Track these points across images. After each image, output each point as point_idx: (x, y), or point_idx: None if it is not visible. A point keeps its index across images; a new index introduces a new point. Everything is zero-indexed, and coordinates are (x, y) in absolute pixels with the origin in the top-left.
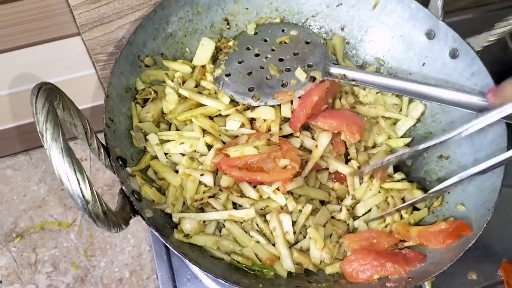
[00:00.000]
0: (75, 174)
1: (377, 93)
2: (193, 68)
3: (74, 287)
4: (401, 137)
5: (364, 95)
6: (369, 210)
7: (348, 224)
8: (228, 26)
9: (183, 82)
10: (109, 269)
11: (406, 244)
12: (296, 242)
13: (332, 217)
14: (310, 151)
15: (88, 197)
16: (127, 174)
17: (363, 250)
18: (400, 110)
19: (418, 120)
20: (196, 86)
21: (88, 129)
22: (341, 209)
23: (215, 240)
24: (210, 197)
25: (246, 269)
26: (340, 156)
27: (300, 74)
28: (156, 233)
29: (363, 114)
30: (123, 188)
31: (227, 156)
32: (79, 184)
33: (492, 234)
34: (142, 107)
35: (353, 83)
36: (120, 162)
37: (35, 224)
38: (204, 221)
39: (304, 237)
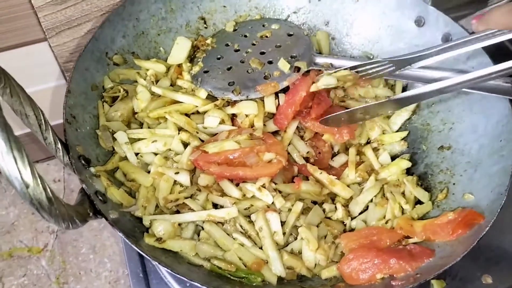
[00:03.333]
0: (12, 152)
1: (367, 85)
2: (168, 68)
3: None
4: (397, 131)
5: (353, 88)
6: (366, 209)
7: (345, 224)
8: (205, 25)
9: (157, 81)
10: None
11: (411, 240)
12: (286, 245)
13: (327, 218)
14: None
15: (27, 180)
16: (90, 174)
17: (363, 248)
18: None
19: (414, 112)
20: (171, 86)
21: (43, 121)
22: (336, 207)
23: (193, 245)
24: (186, 197)
25: (229, 276)
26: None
27: (283, 65)
28: (121, 235)
29: None
30: (83, 186)
31: (205, 153)
32: (16, 163)
33: (506, 234)
34: (111, 106)
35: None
36: (83, 162)
37: (3, 251)
38: (180, 224)
39: (295, 238)
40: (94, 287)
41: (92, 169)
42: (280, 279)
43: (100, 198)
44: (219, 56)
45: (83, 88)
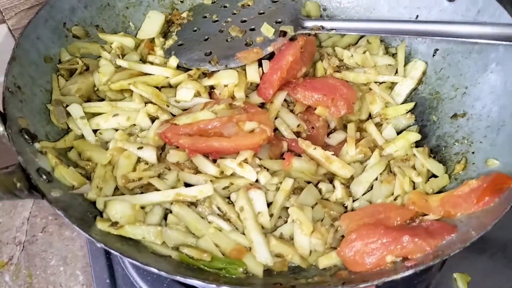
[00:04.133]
0: None
1: (364, 52)
2: (139, 44)
3: None
4: (402, 103)
5: (348, 56)
6: (370, 189)
7: (346, 206)
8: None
9: (123, 56)
10: None
11: (427, 218)
12: (275, 229)
13: (326, 199)
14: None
15: None
16: (34, 150)
17: (368, 226)
18: (396, 72)
19: (420, 81)
20: (142, 62)
21: None
22: (334, 186)
23: (158, 232)
24: (152, 177)
25: (203, 267)
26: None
27: (267, 29)
28: (62, 213)
29: (351, 81)
30: (19, 158)
31: (175, 126)
32: None
33: None
34: (67, 81)
35: (333, 32)
36: (26, 136)
37: None
38: (143, 208)
39: (286, 222)
40: None
41: (37, 145)
42: (267, 272)
43: (44, 177)
44: (195, 28)
45: (33, 58)
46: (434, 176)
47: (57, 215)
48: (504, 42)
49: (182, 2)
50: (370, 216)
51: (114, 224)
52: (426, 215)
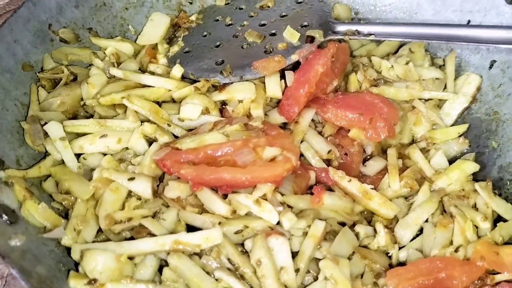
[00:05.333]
0: None
1: (407, 63)
2: (139, 50)
3: None
4: (452, 125)
5: (388, 67)
6: (420, 233)
7: (390, 255)
8: (190, 0)
9: (118, 64)
10: None
11: (499, 277)
12: None
13: (363, 247)
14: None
15: None
16: None
17: None
18: (445, 87)
19: (474, 98)
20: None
21: None
22: (375, 230)
23: None
24: (145, 217)
25: None
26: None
27: (291, 34)
28: (15, 272)
29: (390, 98)
30: None
31: (176, 150)
32: None
33: None
34: (49, 93)
35: (371, 38)
36: None
37: None
38: (132, 259)
39: (316, 279)
40: None
41: (1, 174)
42: None
43: (5, 216)
44: (205, 33)
45: (8, 65)
46: (500, 219)
47: None
48: None
49: (191, 3)
50: (426, 274)
51: (92, 281)
52: (497, 272)
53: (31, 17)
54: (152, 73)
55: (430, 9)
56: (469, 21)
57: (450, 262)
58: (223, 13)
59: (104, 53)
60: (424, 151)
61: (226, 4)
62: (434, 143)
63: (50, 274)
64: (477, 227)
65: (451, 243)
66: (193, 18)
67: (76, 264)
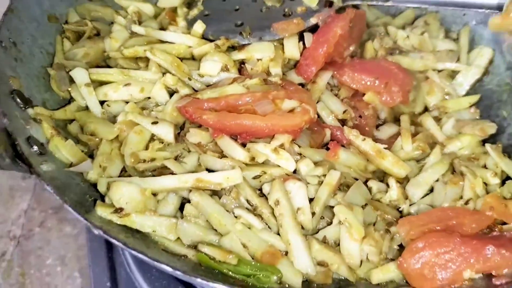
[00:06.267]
0: None
1: (422, 33)
2: (160, 12)
3: None
4: (464, 95)
5: (404, 37)
6: (430, 191)
7: (401, 210)
8: None
9: (140, 23)
10: None
11: (506, 227)
12: (317, 231)
13: (377, 200)
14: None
15: None
16: (27, 116)
17: (439, 233)
18: (458, 59)
19: (486, 70)
20: None
21: None
22: (388, 185)
23: (172, 224)
24: (168, 159)
25: (227, 272)
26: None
27: None
28: (52, 190)
29: (405, 67)
30: (4, 121)
31: (198, 100)
32: None
33: None
34: (74, 45)
35: (389, 3)
36: (18, 99)
37: None
38: (155, 195)
39: (330, 223)
40: None
41: (31, 111)
42: (306, 283)
43: (35, 147)
44: None
45: (35, 14)
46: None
47: (58, 209)
48: None
49: None
50: (437, 221)
51: (119, 210)
52: (505, 223)
53: None
54: None
55: None
56: None
57: (460, 211)
58: None
59: (126, 11)
60: (437, 119)
61: None
62: (446, 112)
63: (79, 201)
64: (486, 185)
65: (461, 197)
66: None
67: (102, 197)
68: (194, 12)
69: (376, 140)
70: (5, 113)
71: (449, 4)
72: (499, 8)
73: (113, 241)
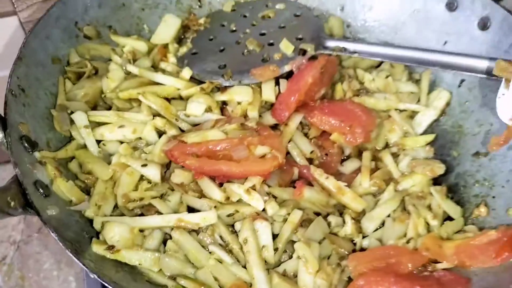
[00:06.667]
0: None
1: (387, 77)
2: (152, 49)
3: None
4: (422, 134)
5: (370, 79)
6: (382, 225)
7: (355, 243)
8: (199, 3)
9: (134, 61)
10: None
11: (439, 265)
12: (279, 264)
13: (333, 234)
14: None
15: None
16: (33, 160)
17: (377, 272)
18: (419, 100)
19: (443, 111)
20: (153, 68)
21: None
22: (344, 220)
23: (156, 258)
24: (154, 197)
25: None
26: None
27: (286, 46)
28: (54, 235)
29: (370, 107)
30: (16, 171)
31: (183, 143)
32: None
33: None
34: (74, 84)
35: (356, 55)
36: (26, 144)
37: None
38: (142, 231)
39: (291, 257)
40: None
41: (37, 154)
42: None
43: (41, 190)
44: (211, 37)
45: (41, 59)
46: (449, 218)
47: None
48: None
49: (200, 7)
50: (380, 259)
51: (111, 247)
52: (438, 262)
53: (61, 15)
54: (163, 71)
55: (414, 27)
56: (445, 42)
57: (400, 251)
58: (229, 19)
59: (122, 50)
60: (395, 155)
61: (232, 10)
62: (404, 149)
63: (77, 239)
64: (428, 224)
65: (405, 235)
66: (201, 21)
67: (96, 233)
68: (184, 49)
69: (340, 174)
70: (16, 163)
71: (407, 60)
72: (488, 72)
73: (105, 283)
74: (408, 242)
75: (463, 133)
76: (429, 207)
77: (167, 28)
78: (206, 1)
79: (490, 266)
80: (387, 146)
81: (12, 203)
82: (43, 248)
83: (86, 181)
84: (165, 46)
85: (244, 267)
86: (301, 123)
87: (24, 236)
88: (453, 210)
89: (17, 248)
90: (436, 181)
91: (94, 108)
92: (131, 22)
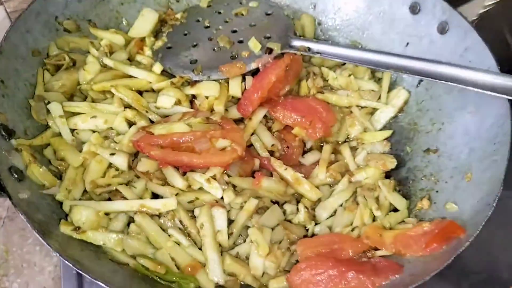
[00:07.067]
0: None
1: (350, 75)
2: (129, 42)
3: None
4: (380, 130)
5: (333, 77)
6: (333, 214)
7: (308, 229)
8: None
9: (111, 53)
10: None
11: (379, 253)
12: (234, 247)
13: (288, 221)
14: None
15: None
16: (9, 147)
17: (319, 257)
18: (379, 98)
19: (401, 109)
20: (129, 61)
21: None
22: (297, 209)
23: (119, 239)
24: (121, 184)
25: (157, 278)
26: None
27: (254, 44)
28: (24, 217)
29: (332, 103)
30: None
31: (150, 134)
32: None
33: (497, 256)
34: (53, 75)
35: (318, 55)
36: (3, 132)
37: None
38: (108, 215)
39: (245, 241)
40: (35, 282)
41: (14, 142)
42: (219, 287)
43: (15, 175)
44: (186, 32)
45: (21, 52)
46: (397, 211)
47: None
48: (481, 91)
49: (178, 1)
50: (325, 245)
51: (77, 228)
52: (378, 249)
53: (42, 10)
54: (138, 63)
55: (379, 29)
56: (407, 43)
57: (343, 238)
58: (204, 15)
59: (100, 43)
60: (354, 149)
61: (208, 6)
62: (363, 143)
63: (46, 221)
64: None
65: (351, 224)
66: (178, 16)
67: (66, 215)
68: (159, 43)
69: (301, 165)
70: None
71: (367, 63)
72: (443, 77)
73: (66, 261)
74: (353, 230)
75: (417, 130)
76: (377, 199)
77: (144, 22)
78: None
79: (421, 255)
80: (347, 140)
81: None
82: (26, 225)
83: (58, 167)
84: (142, 39)
85: (200, 249)
86: (266, 116)
87: (10, 213)
88: (399, 202)
89: (2, 224)
90: (389, 174)
91: (71, 98)
92: (110, 16)
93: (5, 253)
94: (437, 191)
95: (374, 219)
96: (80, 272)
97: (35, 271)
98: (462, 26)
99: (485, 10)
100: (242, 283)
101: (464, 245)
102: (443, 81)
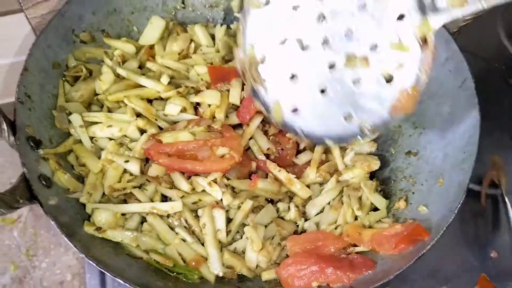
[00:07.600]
0: None
1: None
2: (140, 48)
3: None
4: None
5: None
6: (322, 211)
7: (298, 225)
8: (183, 5)
9: (124, 62)
10: (50, 271)
11: (357, 249)
12: (232, 243)
13: (281, 218)
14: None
15: None
16: (38, 156)
17: (304, 253)
18: None
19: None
20: (140, 68)
21: None
22: (289, 207)
23: (134, 236)
24: (135, 187)
25: (166, 271)
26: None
27: None
28: (55, 224)
29: None
30: (24, 170)
31: (159, 142)
32: None
33: (468, 245)
34: (72, 86)
35: None
36: (31, 143)
37: None
38: (124, 215)
39: (241, 238)
40: (62, 262)
41: (41, 151)
42: (219, 278)
43: (44, 182)
44: None
45: (43, 66)
46: (376, 209)
47: None
48: None
49: (184, 8)
50: (311, 242)
51: (98, 228)
52: (358, 246)
53: (59, 25)
54: (149, 70)
55: None
56: None
57: (327, 235)
58: None
59: (113, 53)
60: (343, 149)
61: None
62: (352, 144)
63: (72, 222)
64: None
65: (335, 222)
66: None
67: (88, 216)
68: None
69: (294, 165)
70: (24, 162)
71: None
72: None
73: (90, 261)
74: (336, 228)
75: (401, 133)
76: (360, 199)
77: (153, 30)
78: (189, 2)
79: (391, 254)
80: None
81: (21, 201)
82: None
83: (80, 172)
84: (151, 46)
85: (203, 245)
86: (263, 121)
87: None
88: (379, 202)
89: (30, 209)
90: (373, 173)
91: (89, 106)
92: (121, 25)
93: (34, 236)
94: (413, 193)
95: (356, 218)
96: (102, 271)
97: (61, 251)
98: (443, 36)
99: (465, 23)
100: (239, 274)
101: (426, 247)
102: None
